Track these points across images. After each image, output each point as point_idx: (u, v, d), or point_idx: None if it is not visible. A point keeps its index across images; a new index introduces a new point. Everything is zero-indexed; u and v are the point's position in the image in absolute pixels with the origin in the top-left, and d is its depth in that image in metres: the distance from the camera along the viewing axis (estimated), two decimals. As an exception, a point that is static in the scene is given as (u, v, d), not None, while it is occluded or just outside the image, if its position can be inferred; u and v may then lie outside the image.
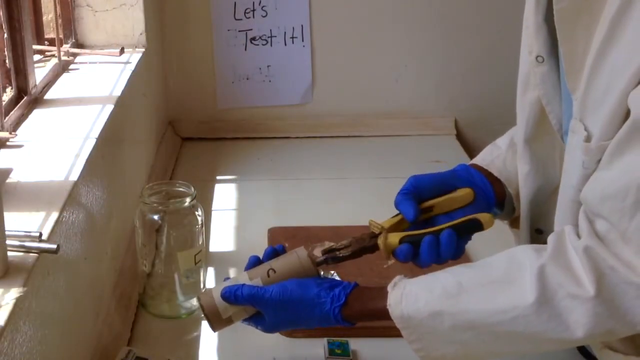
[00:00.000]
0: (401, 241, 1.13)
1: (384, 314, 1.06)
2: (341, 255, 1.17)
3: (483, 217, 1.14)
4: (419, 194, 1.18)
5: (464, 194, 1.21)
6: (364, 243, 1.17)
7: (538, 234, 1.20)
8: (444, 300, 1.02)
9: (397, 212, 1.18)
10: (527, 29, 1.10)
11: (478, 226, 1.14)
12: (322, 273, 1.19)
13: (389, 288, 1.08)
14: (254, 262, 1.19)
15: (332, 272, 1.46)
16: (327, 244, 1.63)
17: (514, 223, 1.26)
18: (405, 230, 1.17)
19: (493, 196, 1.23)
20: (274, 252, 1.19)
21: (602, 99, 0.94)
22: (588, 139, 0.97)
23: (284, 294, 1.11)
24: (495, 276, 1.02)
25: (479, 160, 1.28)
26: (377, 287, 1.11)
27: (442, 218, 1.19)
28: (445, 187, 1.21)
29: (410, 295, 1.05)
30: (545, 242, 1.17)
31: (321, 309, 1.10)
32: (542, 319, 0.96)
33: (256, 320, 1.16)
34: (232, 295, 1.13)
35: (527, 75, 1.13)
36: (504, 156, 1.25)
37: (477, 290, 1.02)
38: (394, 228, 1.17)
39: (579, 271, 0.95)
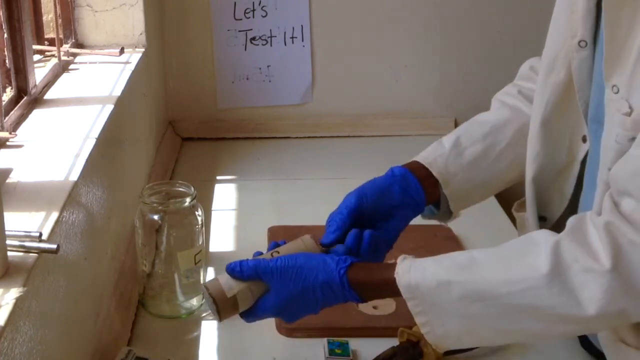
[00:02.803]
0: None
1: (391, 284, 1.04)
2: None
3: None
4: (357, 214, 1.20)
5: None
6: (411, 353, 1.21)
7: (542, 222, 1.20)
8: (454, 270, 1.01)
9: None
10: (573, 14, 1.09)
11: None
12: None
13: (398, 260, 1.06)
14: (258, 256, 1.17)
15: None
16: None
17: (521, 207, 1.27)
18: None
19: (423, 203, 1.25)
20: (277, 246, 1.18)
21: None
22: (629, 114, 0.97)
23: (289, 260, 1.10)
24: (509, 251, 1.01)
25: (421, 157, 1.28)
26: (385, 263, 1.11)
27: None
28: (385, 204, 1.23)
29: (419, 266, 1.04)
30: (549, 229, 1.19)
31: (326, 271, 1.08)
32: (553, 292, 0.94)
33: (262, 302, 1.11)
34: (238, 265, 1.11)
35: (554, 59, 1.13)
36: (446, 155, 1.26)
37: (489, 262, 1.01)
38: None
39: (596, 245, 0.94)
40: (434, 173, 1.25)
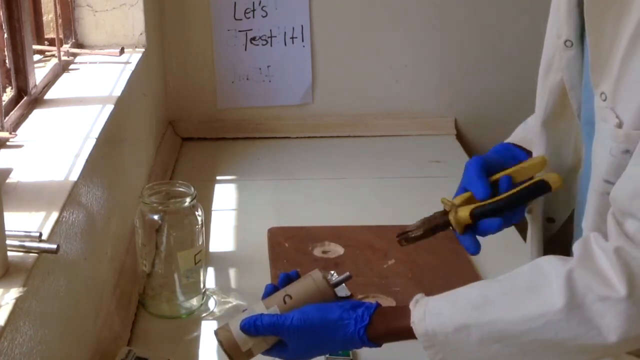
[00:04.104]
0: (471, 214, 1.10)
1: (409, 333, 1.03)
2: (413, 235, 1.14)
3: (550, 177, 1.09)
4: (487, 169, 1.16)
5: (536, 162, 1.16)
6: (436, 221, 1.15)
7: (550, 223, 1.19)
8: (470, 312, 0.99)
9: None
10: (558, 12, 1.09)
11: (546, 188, 1.10)
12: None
13: (411, 305, 1.05)
14: (271, 291, 1.15)
15: (332, 272, 1.46)
16: (327, 244, 1.65)
17: (530, 209, 1.27)
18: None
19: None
20: (287, 278, 1.16)
21: (635, 90, 0.93)
22: (619, 125, 0.96)
23: (305, 319, 1.08)
24: (521, 285, 0.99)
25: (512, 139, 1.28)
26: (400, 306, 1.08)
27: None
28: (510, 161, 1.20)
29: (433, 311, 1.02)
30: (556, 232, 1.17)
31: (345, 331, 1.07)
32: (573, 324, 0.93)
33: (279, 350, 1.11)
34: (252, 326, 1.09)
35: (551, 59, 1.12)
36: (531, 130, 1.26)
37: (503, 300, 0.99)
38: (466, 204, 1.13)
39: (608, 272, 0.92)
40: (528, 148, 1.23)
